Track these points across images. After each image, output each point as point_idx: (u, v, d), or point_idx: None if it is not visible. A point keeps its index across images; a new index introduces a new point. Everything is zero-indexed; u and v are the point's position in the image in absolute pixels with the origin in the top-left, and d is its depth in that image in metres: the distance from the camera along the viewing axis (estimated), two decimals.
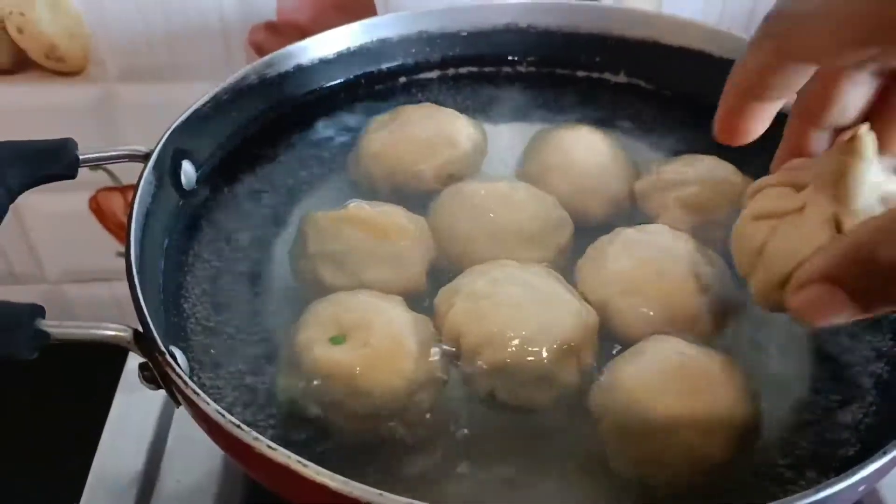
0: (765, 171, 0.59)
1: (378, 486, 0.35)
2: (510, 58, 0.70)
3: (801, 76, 0.39)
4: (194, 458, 0.59)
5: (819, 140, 0.42)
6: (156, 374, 0.44)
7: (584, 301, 0.49)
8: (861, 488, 0.38)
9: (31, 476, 0.80)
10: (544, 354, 0.45)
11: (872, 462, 0.37)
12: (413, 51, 0.68)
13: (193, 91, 0.58)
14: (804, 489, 0.36)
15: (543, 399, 0.46)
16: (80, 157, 0.52)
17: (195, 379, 0.46)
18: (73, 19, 0.73)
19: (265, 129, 0.62)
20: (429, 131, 0.59)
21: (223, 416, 0.39)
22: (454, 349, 0.46)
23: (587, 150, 0.59)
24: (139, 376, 0.44)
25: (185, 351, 0.47)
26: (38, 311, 0.43)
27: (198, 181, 0.57)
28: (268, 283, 0.53)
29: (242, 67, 0.60)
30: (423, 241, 0.52)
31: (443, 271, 0.52)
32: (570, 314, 0.47)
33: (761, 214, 0.41)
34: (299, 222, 0.53)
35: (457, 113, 0.62)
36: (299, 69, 0.64)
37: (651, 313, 0.48)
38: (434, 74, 0.69)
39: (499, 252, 0.51)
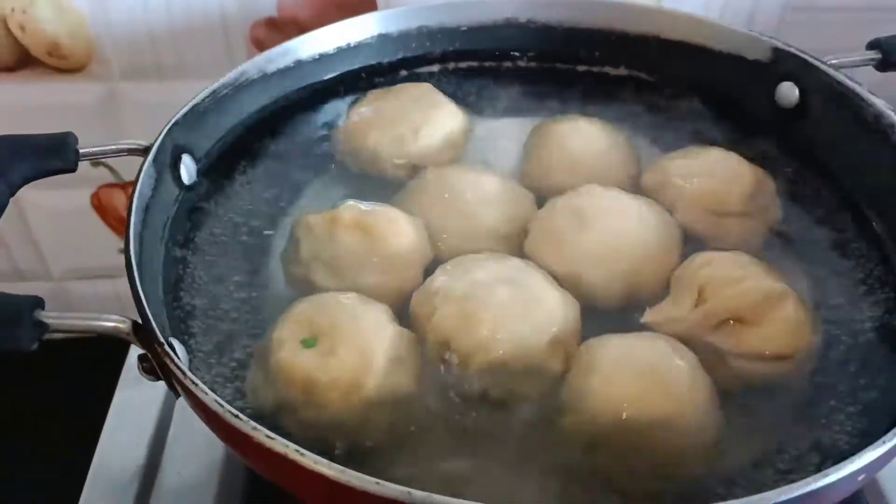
0: (767, 159, 0.60)
1: None
2: (510, 52, 0.70)
3: None
4: (195, 450, 0.59)
5: None
6: (155, 366, 0.44)
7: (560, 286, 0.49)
8: (860, 477, 0.38)
9: (33, 469, 0.80)
10: (537, 351, 0.45)
11: (871, 451, 0.37)
12: (413, 46, 0.68)
13: (195, 88, 0.58)
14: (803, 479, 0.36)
15: (534, 391, 0.46)
16: (80, 151, 0.52)
17: (194, 370, 0.46)
18: (76, 17, 0.73)
19: (265, 123, 0.63)
20: (402, 117, 0.59)
21: (222, 406, 0.39)
22: (443, 357, 0.46)
23: (586, 141, 0.59)
24: (138, 368, 0.45)
25: (184, 343, 0.48)
26: (37, 302, 0.43)
27: (198, 175, 0.57)
28: (267, 275, 0.53)
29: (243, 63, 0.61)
30: (420, 242, 0.52)
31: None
32: (555, 307, 0.47)
33: None
34: (291, 226, 0.53)
35: (445, 101, 0.62)
36: (299, 64, 0.64)
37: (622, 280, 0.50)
38: (435, 68, 0.69)
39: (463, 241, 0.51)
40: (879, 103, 0.56)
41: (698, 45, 0.65)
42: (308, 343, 0.45)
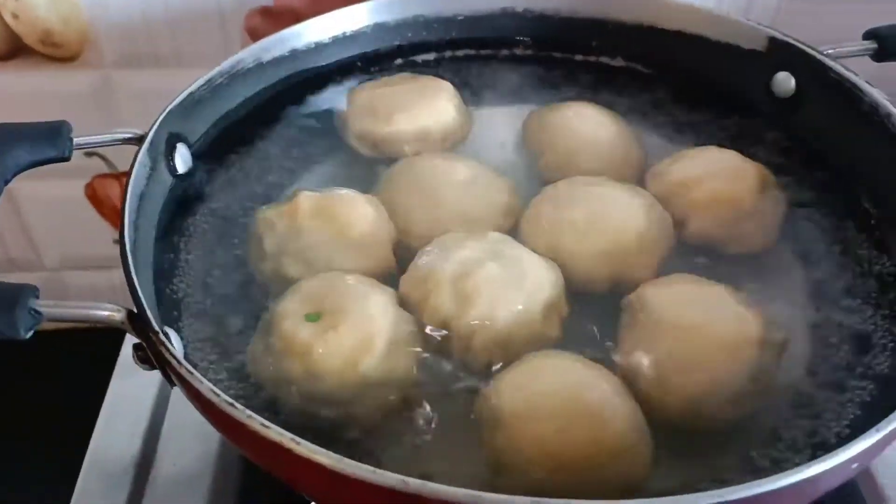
0: (765, 149, 0.60)
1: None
2: (507, 41, 0.69)
3: None
4: (190, 441, 0.59)
5: None
6: (150, 355, 0.44)
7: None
8: (854, 465, 0.38)
9: (28, 461, 0.80)
10: (534, 320, 0.46)
11: (864, 439, 0.37)
12: (409, 35, 0.68)
13: (190, 77, 0.57)
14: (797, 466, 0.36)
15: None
16: (75, 140, 0.52)
17: (189, 359, 0.46)
18: (69, 5, 0.73)
19: (260, 112, 0.62)
20: (403, 104, 0.60)
21: (217, 394, 0.39)
22: (441, 336, 0.46)
23: (598, 127, 0.59)
24: (133, 356, 0.44)
25: (178, 331, 0.47)
26: (32, 291, 0.42)
27: (193, 164, 0.57)
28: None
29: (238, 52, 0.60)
30: (383, 220, 0.52)
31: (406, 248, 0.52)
32: (543, 274, 0.48)
33: None
34: (251, 224, 0.53)
35: (448, 90, 0.62)
36: (294, 53, 0.64)
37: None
38: (431, 57, 0.69)
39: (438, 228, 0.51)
40: (876, 93, 0.56)
41: (694, 35, 0.65)
42: (311, 318, 0.45)
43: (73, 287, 0.93)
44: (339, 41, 0.66)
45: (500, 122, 0.64)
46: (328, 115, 0.64)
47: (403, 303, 0.48)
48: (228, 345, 0.48)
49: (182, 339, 0.47)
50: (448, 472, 0.42)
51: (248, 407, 0.38)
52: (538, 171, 0.59)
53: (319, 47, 0.65)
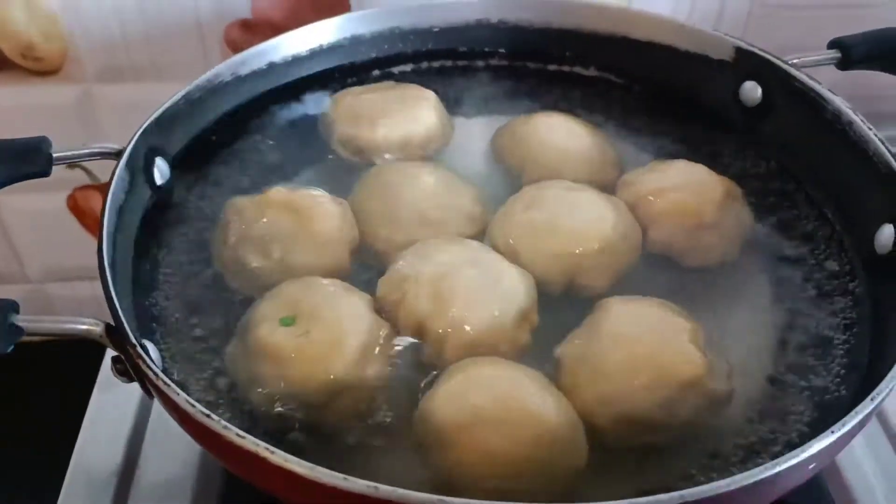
0: (734, 158, 0.61)
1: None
2: (482, 52, 0.71)
3: None
4: (172, 451, 0.60)
5: None
6: (128, 367, 0.45)
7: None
8: (811, 466, 0.39)
9: (11, 470, 0.80)
10: (507, 326, 0.47)
11: (820, 441, 0.38)
12: (385, 47, 0.69)
13: (171, 90, 0.58)
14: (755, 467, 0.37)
15: None
16: (54, 155, 0.52)
17: (167, 371, 0.47)
18: (49, 19, 0.74)
19: (238, 125, 0.63)
20: (382, 111, 0.61)
21: (193, 406, 0.40)
22: (416, 339, 0.48)
23: (559, 132, 0.60)
24: (112, 369, 0.45)
25: (156, 343, 0.48)
26: (11, 306, 0.43)
27: (171, 177, 0.58)
28: (244, 290, 0.53)
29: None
30: (347, 223, 0.53)
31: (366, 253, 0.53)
32: (518, 283, 0.49)
33: None
34: (223, 210, 0.54)
35: (429, 99, 0.63)
36: (272, 66, 0.65)
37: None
38: (408, 68, 0.70)
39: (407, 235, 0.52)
40: (838, 101, 0.57)
41: (665, 45, 0.66)
42: (286, 322, 0.46)
43: (56, 299, 0.93)
44: (316, 54, 0.67)
45: (475, 132, 0.65)
46: (306, 126, 0.65)
47: (380, 304, 0.49)
48: (206, 356, 0.49)
49: (160, 350, 0.48)
50: (420, 475, 0.43)
51: (226, 415, 0.39)
52: (510, 180, 0.60)
53: (297, 60, 0.66)
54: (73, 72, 0.76)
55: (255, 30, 0.76)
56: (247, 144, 0.63)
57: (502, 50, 0.71)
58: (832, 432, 0.38)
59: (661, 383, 0.44)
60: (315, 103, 0.67)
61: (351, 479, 0.36)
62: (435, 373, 0.47)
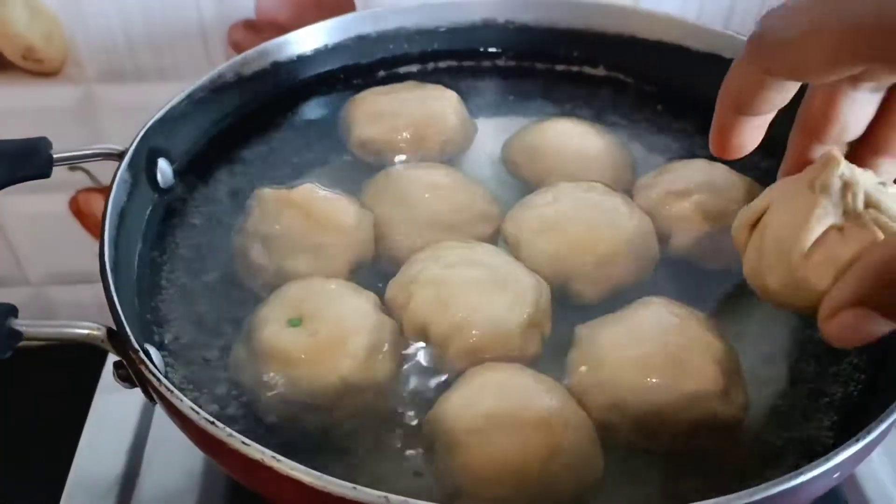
0: (753, 166, 0.60)
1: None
2: (489, 52, 0.70)
3: (790, 90, 0.40)
4: (175, 457, 0.59)
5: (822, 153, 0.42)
6: (130, 373, 0.44)
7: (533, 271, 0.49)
8: (836, 475, 0.38)
9: (11, 478, 0.80)
10: (514, 333, 0.46)
11: (845, 450, 0.37)
12: (391, 47, 0.68)
13: (174, 91, 0.57)
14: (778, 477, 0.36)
15: None
16: (55, 156, 0.52)
17: (169, 376, 0.46)
18: (50, 20, 0.73)
19: (242, 126, 0.62)
20: (399, 112, 0.60)
21: (197, 412, 0.39)
22: (421, 342, 0.47)
23: (572, 139, 0.59)
24: (114, 374, 0.44)
25: (159, 348, 0.47)
26: (10, 310, 0.42)
27: (174, 179, 0.57)
28: (243, 280, 0.53)
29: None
30: (358, 236, 0.51)
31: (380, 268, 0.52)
32: (529, 289, 0.47)
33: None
34: (251, 197, 0.53)
35: (451, 104, 0.62)
36: (276, 66, 0.64)
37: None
38: (414, 68, 0.69)
39: (419, 239, 0.51)
40: None
41: (675, 45, 0.66)
42: (293, 322, 0.46)
43: (58, 302, 0.93)
44: (321, 54, 0.66)
45: (483, 133, 0.64)
46: (311, 127, 0.64)
47: (389, 306, 0.48)
48: (210, 361, 0.48)
49: (163, 355, 0.47)
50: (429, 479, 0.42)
51: (230, 420, 0.38)
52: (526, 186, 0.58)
53: (301, 60, 0.65)
54: (74, 74, 0.76)
55: (260, 31, 0.75)
56: (251, 146, 0.62)
57: (509, 50, 0.70)
58: (858, 440, 0.37)
59: (670, 388, 0.42)
60: (320, 104, 0.66)
61: (360, 488, 0.35)
62: (445, 376, 0.46)
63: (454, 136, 0.61)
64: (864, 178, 0.39)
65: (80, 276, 0.90)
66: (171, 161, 0.57)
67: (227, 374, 0.47)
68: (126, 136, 0.53)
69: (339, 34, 0.66)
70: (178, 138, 0.58)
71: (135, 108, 0.61)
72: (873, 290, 0.34)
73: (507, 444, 0.41)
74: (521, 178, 0.59)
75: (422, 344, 0.47)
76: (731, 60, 0.61)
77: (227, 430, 0.38)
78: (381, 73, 0.68)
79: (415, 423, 0.45)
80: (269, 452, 0.37)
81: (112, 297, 0.44)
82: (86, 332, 0.43)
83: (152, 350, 0.45)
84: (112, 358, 0.44)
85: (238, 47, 0.75)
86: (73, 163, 0.53)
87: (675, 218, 0.53)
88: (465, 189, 0.55)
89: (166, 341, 0.49)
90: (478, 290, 0.47)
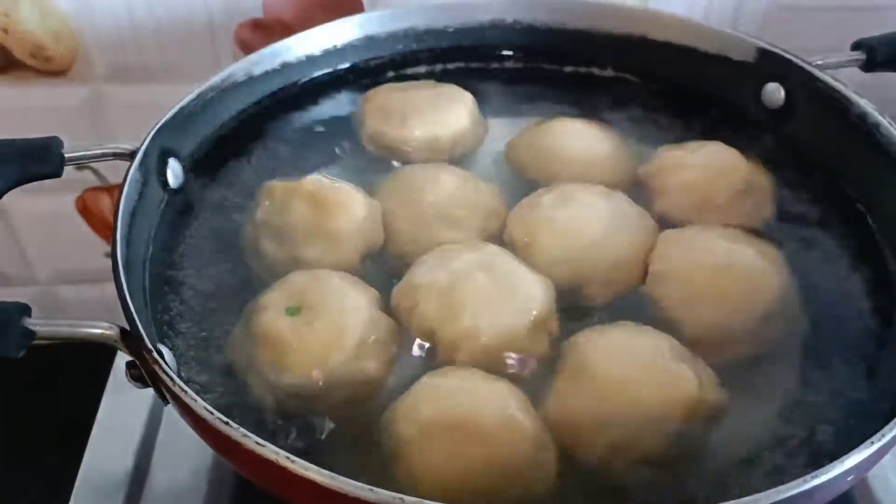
0: (771, 155, 0.60)
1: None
2: (497, 53, 0.70)
3: None
4: (184, 456, 0.59)
5: None
6: (143, 373, 0.44)
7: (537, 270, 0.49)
8: (850, 478, 0.38)
9: (21, 475, 0.80)
10: (521, 336, 0.46)
11: (859, 452, 0.37)
12: (400, 47, 0.68)
13: (182, 91, 0.57)
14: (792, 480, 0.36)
15: (521, 374, 0.46)
16: (66, 155, 0.52)
17: (183, 376, 0.46)
18: (59, 19, 0.73)
19: (252, 126, 0.62)
20: (412, 110, 0.60)
21: (211, 413, 0.39)
22: (428, 346, 0.47)
23: (578, 140, 0.59)
24: (126, 374, 0.44)
25: (172, 348, 0.47)
26: (24, 309, 0.42)
27: (185, 178, 0.57)
28: (255, 279, 0.53)
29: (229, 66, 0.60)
30: (367, 225, 0.52)
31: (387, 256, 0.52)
32: (535, 291, 0.47)
33: None
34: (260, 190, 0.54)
35: (464, 104, 0.62)
36: (286, 66, 0.64)
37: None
38: (422, 69, 0.69)
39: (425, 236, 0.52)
40: (864, 103, 0.56)
41: (684, 46, 0.65)
42: (291, 311, 0.46)
43: (66, 301, 0.93)
44: (329, 54, 0.66)
45: (493, 133, 0.64)
46: (320, 127, 0.64)
47: (395, 311, 0.48)
48: (222, 360, 0.48)
49: (175, 355, 0.47)
50: None
51: (238, 417, 0.38)
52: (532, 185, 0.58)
53: (310, 60, 0.65)
54: (83, 72, 0.76)
55: (267, 30, 0.75)
56: (261, 146, 0.62)
57: (518, 50, 0.70)
58: (872, 443, 0.37)
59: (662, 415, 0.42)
60: (329, 104, 0.66)
61: (377, 489, 0.35)
62: None
63: (466, 137, 0.61)
64: None
65: (88, 274, 0.90)
66: (182, 161, 0.57)
67: (236, 370, 0.47)
68: (134, 134, 0.54)
69: (348, 35, 0.66)
70: (188, 138, 0.58)
71: (143, 106, 0.61)
72: None
73: (441, 455, 0.40)
74: (527, 178, 0.59)
75: (424, 344, 0.47)
76: (739, 62, 0.63)
77: (242, 430, 0.38)
78: (390, 74, 0.68)
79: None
80: (283, 453, 0.37)
81: (125, 297, 0.44)
82: (99, 331, 0.43)
83: (165, 349, 0.45)
84: (122, 355, 0.44)
85: (245, 46, 0.75)
86: (85, 162, 0.53)
87: (665, 186, 0.55)
88: (474, 187, 0.55)
89: (178, 340, 0.49)
90: (482, 294, 0.47)
